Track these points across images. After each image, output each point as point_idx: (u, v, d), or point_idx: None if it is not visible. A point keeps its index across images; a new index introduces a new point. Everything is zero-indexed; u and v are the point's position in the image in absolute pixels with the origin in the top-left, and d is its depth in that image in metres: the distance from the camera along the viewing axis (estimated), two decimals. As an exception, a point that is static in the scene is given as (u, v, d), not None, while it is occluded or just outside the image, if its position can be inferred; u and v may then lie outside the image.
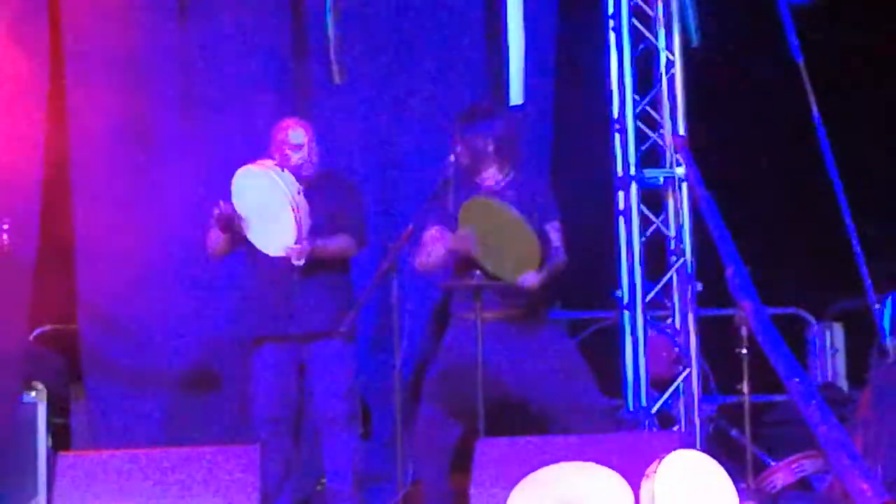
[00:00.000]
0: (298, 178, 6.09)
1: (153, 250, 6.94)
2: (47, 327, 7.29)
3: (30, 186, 6.89)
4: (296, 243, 5.97)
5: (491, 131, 6.08)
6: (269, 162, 6.08)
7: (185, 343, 7.00)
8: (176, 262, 6.93)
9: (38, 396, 6.87)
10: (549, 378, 6.02)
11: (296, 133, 6.21)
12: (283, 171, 6.01)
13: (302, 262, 6.00)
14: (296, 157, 6.14)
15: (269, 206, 6.01)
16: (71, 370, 7.14)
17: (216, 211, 6.09)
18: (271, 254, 6.06)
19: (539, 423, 6.05)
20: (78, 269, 7.03)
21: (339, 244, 6.14)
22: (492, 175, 6.12)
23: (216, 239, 6.22)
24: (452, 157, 5.98)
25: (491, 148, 6.08)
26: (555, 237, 6.10)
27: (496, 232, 5.91)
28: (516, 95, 6.42)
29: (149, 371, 7.01)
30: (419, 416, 6.08)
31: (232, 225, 6.10)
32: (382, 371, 6.75)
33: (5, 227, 6.21)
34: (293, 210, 5.93)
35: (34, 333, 7.19)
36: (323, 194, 6.19)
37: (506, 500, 5.12)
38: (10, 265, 6.81)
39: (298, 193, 5.96)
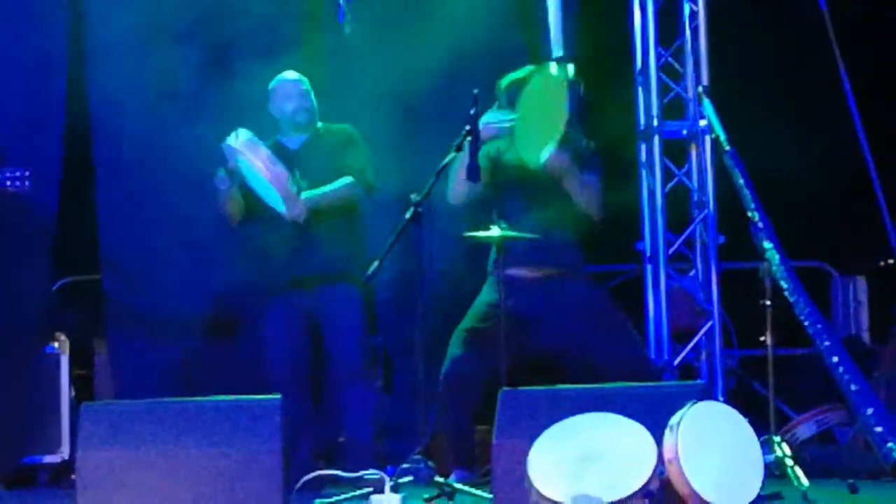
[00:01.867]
0: (296, 126, 6.29)
1: (174, 202, 6.94)
2: (69, 278, 7.30)
3: (52, 137, 6.92)
4: (287, 208, 6.09)
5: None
6: (239, 138, 6.14)
7: (206, 294, 7.01)
8: (197, 212, 6.90)
9: (60, 348, 6.91)
10: (587, 334, 6.02)
11: (289, 83, 6.35)
12: (249, 140, 6.10)
13: (303, 218, 6.13)
14: (290, 106, 6.29)
15: (256, 174, 6.12)
16: (93, 321, 7.16)
17: (218, 177, 6.19)
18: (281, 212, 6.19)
19: (575, 379, 6.05)
20: (100, 221, 7.04)
21: (339, 191, 6.21)
22: None
23: (225, 202, 6.26)
24: (473, 111, 5.94)
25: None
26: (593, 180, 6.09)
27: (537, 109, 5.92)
28: (557, 47, 6.37)
29: (170, 322, 7.02)
30: (446, 369, 6.08)
31: (236, 182, 6.20)
32: (404, 323, 6.74)
33: (27, 174, 6.21)
34: (271, 181, 6.06)
35: (56, 285, 7.20)
36: (325, 144, 6.30)
37: (528, 451, 5.10)
38: (32, 216, 6.83)
39: (271, 163, 6.07)
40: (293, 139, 6.41)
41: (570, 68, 6.11)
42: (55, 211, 6.95)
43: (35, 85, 6.86)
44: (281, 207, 6.15)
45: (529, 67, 6.23)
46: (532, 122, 5.92)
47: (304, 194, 6.18)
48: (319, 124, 6.41)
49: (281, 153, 6.33)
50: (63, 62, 6.91)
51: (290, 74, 6.43)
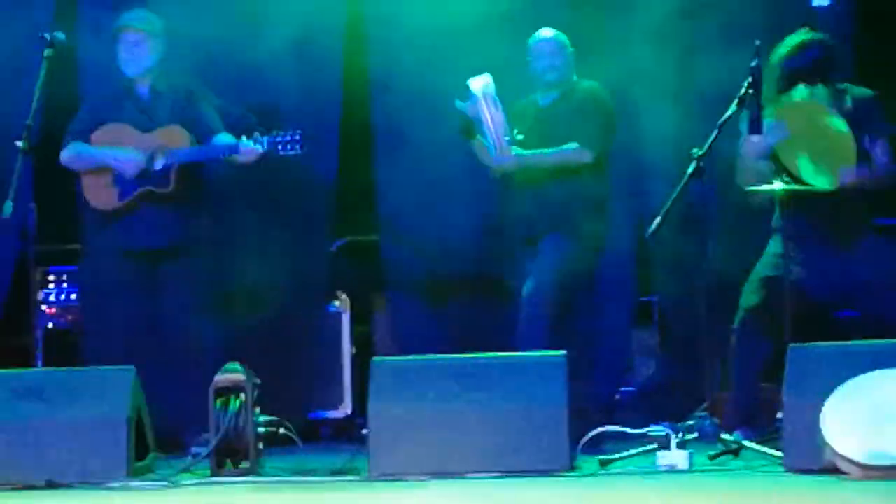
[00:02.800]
0: (546, 84, 6.36)
1: (450, 163, 6.96)
2: (348, 238, 7.46)
3: (331, 101, 7.07)
4: (495, 160, 6.21)
5: (807, 53, 5.96)
6: (481, 79, 6.22)
7: (479, 254, 7.06)
8: (471, 174, 6.94)
9: (342, 306, 7.08)
10: (870, 290, 5.87)
11: (542, 41, 6.38)
12: (486, 86, 6.19)
13: (508, 171, 6.27)
14: (541, 64, 6.35)
15: (483, 119, 6.23)
16: (372, 280, 7.30)
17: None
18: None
19: (859, 335, 5.89)
20: (378, 183, 7.17)
21: (556, 155, 6.25)
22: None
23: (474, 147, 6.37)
24: (755, 62, 5.80)
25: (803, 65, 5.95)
26: (880, 152, 5.94)
27: (809, 133, 5.78)
28: None
29: (445, 281, 7.11)
30: (739, 318, 5.99)
31: (472, 130, 6.33)
32: (684, 280, 6.66)
33: (297, 138, 6.27)
34: (488, 129, 6.17)
35: (336, 245, 7.37)
36: (569, 102, 6.33)
37: (818, 407, 5.00)
38: (312, 178, 7.01)
39: (496, 109, 6.17)
40: (544, 97, 6.43)
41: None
42: (334, 172, 7.10)
43: (313, 50, 6.99)
44: (492, 154, 6.20)
45: (801, 33, 6.05)
46: (808, 150, 5.78)
47: (518, 150, 6.22)
48: (574, 78, 6.39)
49: (531, 110, 6.40)
50: (340, 25, 7.04)
51: (545, 32, 6.42)
